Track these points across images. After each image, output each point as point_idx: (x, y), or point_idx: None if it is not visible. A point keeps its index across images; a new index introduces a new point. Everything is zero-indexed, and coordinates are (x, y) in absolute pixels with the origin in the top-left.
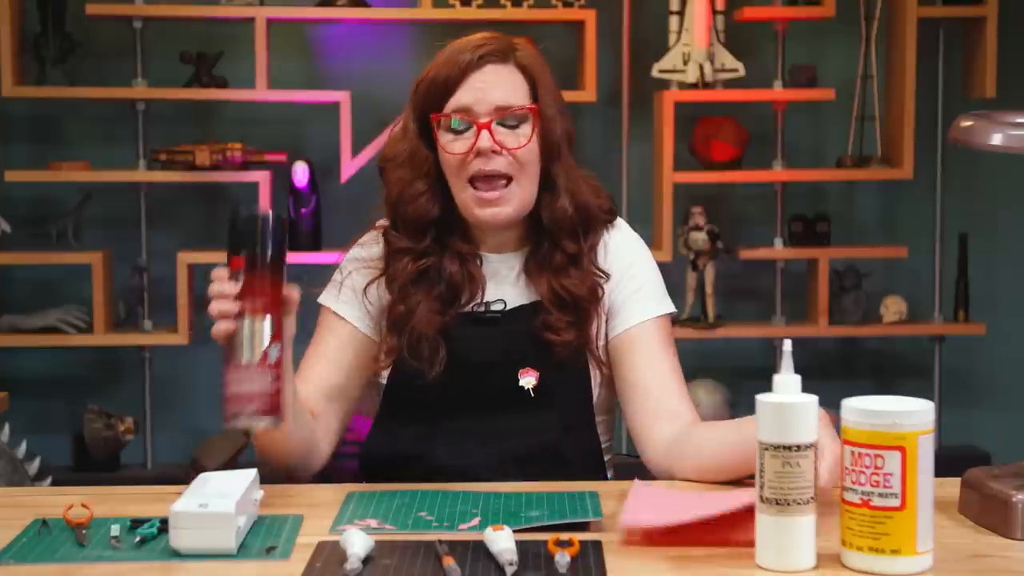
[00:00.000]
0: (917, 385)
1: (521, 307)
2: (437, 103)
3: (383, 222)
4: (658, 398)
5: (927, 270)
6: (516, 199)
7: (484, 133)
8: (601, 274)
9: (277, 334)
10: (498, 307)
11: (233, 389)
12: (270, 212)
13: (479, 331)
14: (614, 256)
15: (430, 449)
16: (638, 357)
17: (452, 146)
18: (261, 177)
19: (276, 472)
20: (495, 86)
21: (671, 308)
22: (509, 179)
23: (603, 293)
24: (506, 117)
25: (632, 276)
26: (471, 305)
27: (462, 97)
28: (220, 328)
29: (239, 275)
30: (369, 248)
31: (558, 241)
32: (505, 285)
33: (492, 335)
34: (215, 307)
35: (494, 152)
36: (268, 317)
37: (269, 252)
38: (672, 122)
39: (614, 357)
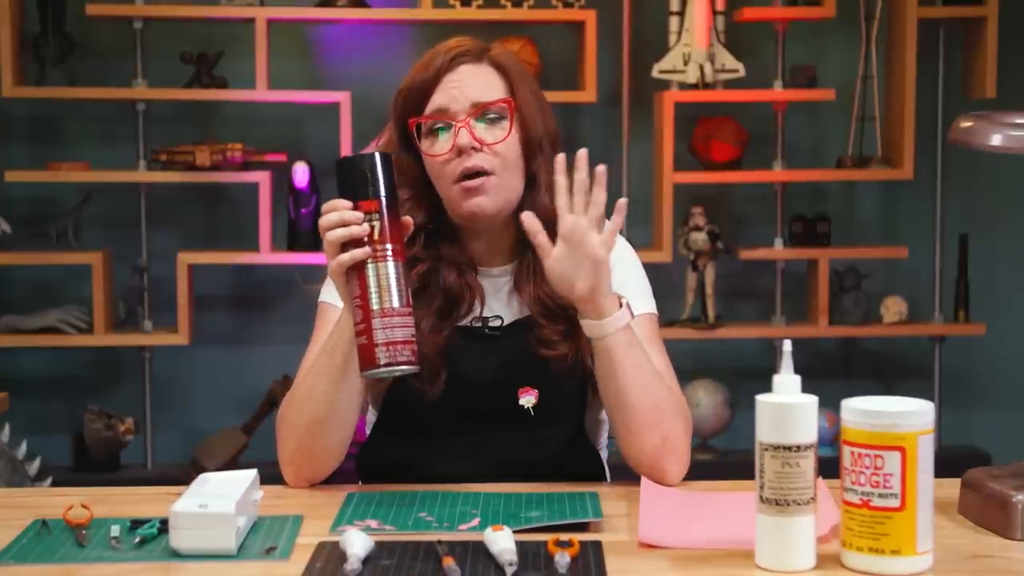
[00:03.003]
0: (917, 385)
1: (516, 323)
2: (415, 109)
3: None
4: None
5: (927, 270)
6: (497, 191)
7: (463, 131)
8: None
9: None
10: (496, 323)
11: (381, 336)
12: (382, 153)
13: (478, 348)
14: None
15: (429, 465)
16: None
17: (433, 148)
18: (261, 177)
19: (308, 460)
20: (469, 84)
21: (651, 308)
22: (491, 175)
23: None
24: (483, 113)
25: (611, 278)
26: (469, 318)
27: (438, 99)
28: (351, 257)
29: (374, 217)
30: None
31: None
32: (499, 300)
33: (491, 352)
34: (343, 232)
35: (474, 148)
36: (402, 260)
37: (390, 194)
38: (672, 122)
39: (593, 351)
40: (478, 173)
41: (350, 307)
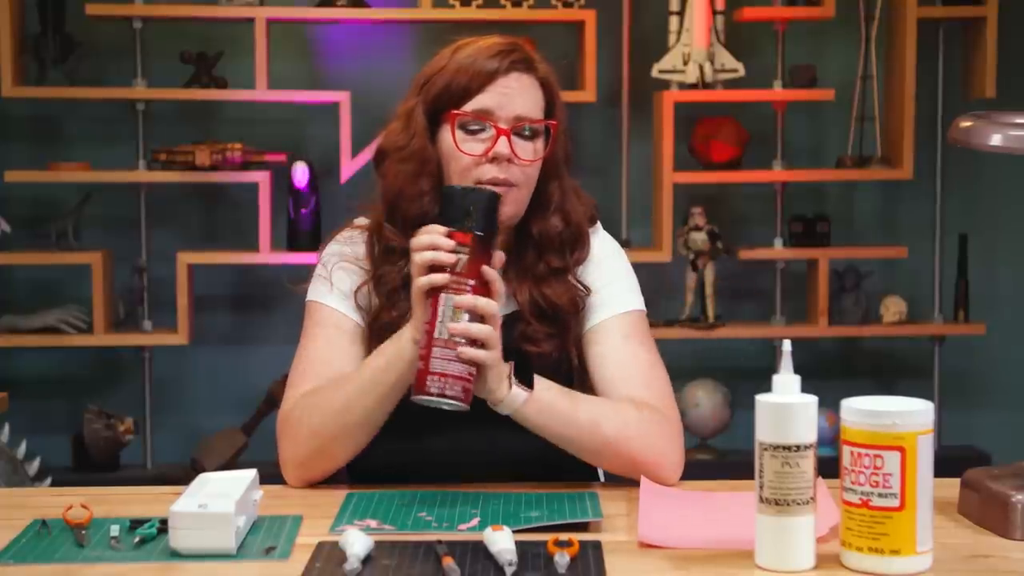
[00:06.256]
0: (917, 385)
1: (503, 318)
2: (457, 102)
3: (361, 221)
4: (617, 388)
5: (927, 270)
6: (514, 203)
7: (503, 139)
8: (583, 288)
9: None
10: None
11: (437, 366)
12: (489, 191)
13: None
14: (586, 260)
15: (417, 464)
16: (599, 349)
17: (466, 145)
18: (261, 177)
19: (326, 458)
20: (519, 95)
21: (637, 306)
22: (514, 188)
23: (583, 306)
24: (523, 128)
25: (599, 276)
26: None
27: (485, 100)
28: (428, 280)
29: (463, 250)
30: (353, 246)
31: (544, 255)
32: None
33: None
34: (428, 256)
35: (508, 160)
36: None
37: (484, 230)
38: (672, 122)
39: (583, 353)
40: (503, 184)
41: (419, 330)
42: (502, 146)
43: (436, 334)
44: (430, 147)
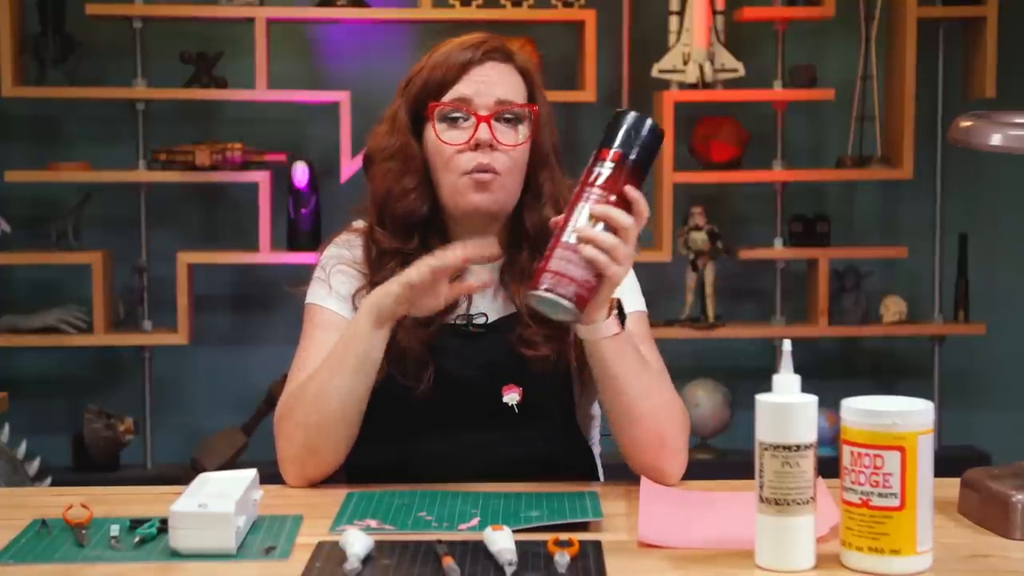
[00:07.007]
0: (917, 385)
1: (500, 320)
2: (435, 95)
3: (359, 224)
4: None
5: (927, 270)
6: (502, 191)
7: (483, 126)
8: None
9: None
10: (480, 320)
11: (556, 265)
12: (655, 124)
13: (462, 346)
14: None
15: (416, 466)
16: None
17: (447, 135)
18: (261, 177)
19: (314, 452)
20: (497, 82)
21: (639, 306)
22: (500, 176)
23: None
24: (504, 113)
25: None
26: (454, 315)
27: (463, 89)
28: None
29: (607, 166)
30: (351, 249)
31: (540, 251)
32: (484, 297)
33: (475, 350)
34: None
35: (491, 146)
36: None
37: (638, 158)
38: (672, 122)
39: (587, 355)
40: (489, 172)
41: (377, 301)
42: (483, 132)
43: (563, 238)
44: (413, 144)
